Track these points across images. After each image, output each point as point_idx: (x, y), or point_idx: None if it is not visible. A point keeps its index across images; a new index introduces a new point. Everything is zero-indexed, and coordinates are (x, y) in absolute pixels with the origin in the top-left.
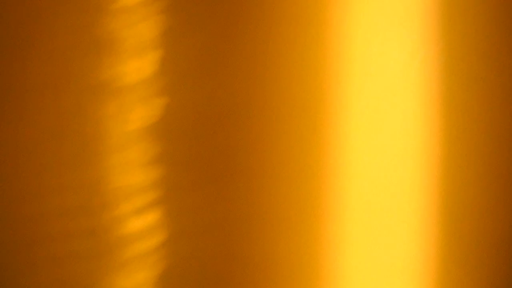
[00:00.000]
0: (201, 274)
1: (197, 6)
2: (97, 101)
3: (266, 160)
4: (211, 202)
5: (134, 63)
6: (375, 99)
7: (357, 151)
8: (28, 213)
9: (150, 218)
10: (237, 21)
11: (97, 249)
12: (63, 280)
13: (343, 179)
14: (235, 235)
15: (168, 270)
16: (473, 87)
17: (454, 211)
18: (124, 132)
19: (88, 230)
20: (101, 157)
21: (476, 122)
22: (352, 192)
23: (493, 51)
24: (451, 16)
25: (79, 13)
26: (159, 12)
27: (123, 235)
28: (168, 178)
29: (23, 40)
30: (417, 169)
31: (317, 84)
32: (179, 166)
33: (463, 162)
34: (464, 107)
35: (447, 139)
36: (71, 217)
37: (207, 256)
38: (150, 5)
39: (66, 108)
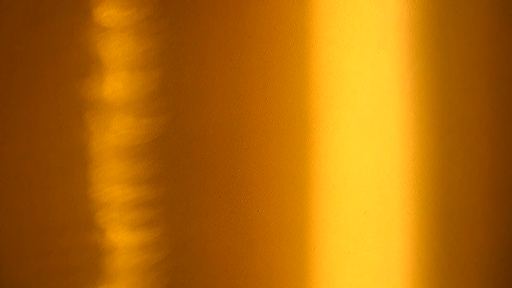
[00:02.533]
0: (204, 286)
1: (194, 27)
2: (100, 117)
3: (262, 174)
4: (211, 216)
5: (137, 79)
6: (367, 115)
7: (347, 165)
8: (35, 226)
9: (153, 232)
10: (234, 42)
11: (100, 264)
12: None
13: (333, 190)
14: (236, 247)
15: (172, 283)
16: (464, 100)
17: (443, 216)
18: (127, 146)
19: (90, 245)
20: (104, 172)
21: (467, 133)
22: (341, 203)
23: (483, 67)
24: (443, 32)
25: (82, 31)
26: (157, 33)
27: (126, 250)
28: (169, 193)
29: (26, 59)
30: (405, 178)
31: (309, 103)
32: (180, 182)
33: (453, 170)
34: (455, 120)
35: (438, 150)
36: (75, 232)
37: (209, 268)
38: (148, 26)
39: (65, 125)
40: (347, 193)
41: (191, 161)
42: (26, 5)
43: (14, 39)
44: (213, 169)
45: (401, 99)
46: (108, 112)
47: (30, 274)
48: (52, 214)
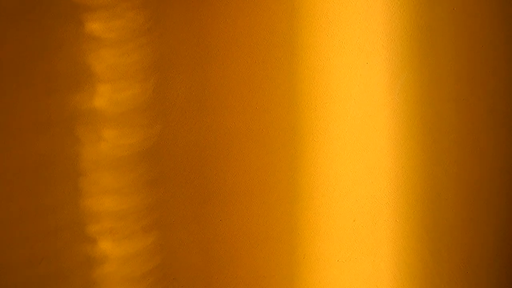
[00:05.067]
0: None
1: (185, 38)
2: (91, 127)
3: (252, 183)
4: (201, 225)
5: (128, 89)
6: (356, 124)
7: (336, 174)
8: (25, 234)
9: (144, 241)
10: (224, 52)
11: (91, 272)
12: None
13: (322, 199)
14: (226, 255)
15: None
16: (451, 110)
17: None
18: (117, 156)
19: (82, 254)
20: (95, 181)
21: (455, 142)
22: (330, 211)
23: (470, 77)
24: (431, 43)
25: (74, 41)
26: (148, 43)
27: (116, 259)
28: (159, 203)
29: (17, 69)
30: (394, 187)
31: (299, 112)
32: (170, 191)
33: (441, 178)
34: (443, 129)
35: (426, 159)
36: (65, 241)
37: (199, 277)
38: (139, 37)
39: (56, 135)
40: (337, 201)
41: (181, 170)
42: (17, 15)
43: (5, 49)
44: (203, 178)
45: (389, 109)
46: (100, 122)
47: (21, 282)
48: (43, 223)
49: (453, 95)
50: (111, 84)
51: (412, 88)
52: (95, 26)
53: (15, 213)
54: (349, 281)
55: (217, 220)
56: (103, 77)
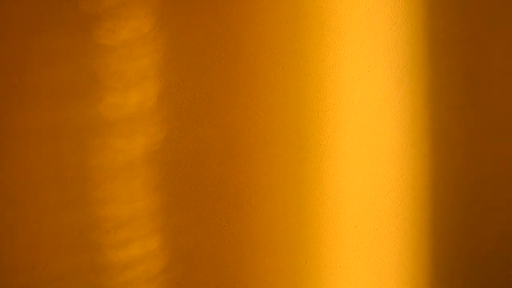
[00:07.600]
0: None
1: (190, 45)
2: (96, 133)
3: (255, 188)
4: (205, 230)
5: (133, 96)
6: (358, 131)
7: (338, 180)
8: (29, 240)
9: (148, 247)
10: (229, 59)
11: (94, 278)
12: None
13: (324, 205)
14: (229, 260)
15: None
16: (451, 117)
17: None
18: (122, 162)
19: (85, 260)
20: (100, 187)
21: (454, 149)
22: (332, 217)
23: (469, 85)
24: (431, 52)
25: (79, 48)
26: (153, 50)
27: (121, 264)
28: (164, 208)
29: (24, 77)
30: (395, 194)
31: (302, 119)
32: (175, 197)
33: (441, 186)
34: (443, 136)
35: (426, 166)
36: (69, 247)
37: (203, 282)
38: (146, 43)
39: (61, 141)
40: (338, 207)
41: (186, 176)
42: (23, 22)
43: (13, 56)
44: (207, 184)
45: (391, 116)
46: (105, 128)
47: (25, 286)
48: (47, 227)
49: (454, 102)
50: (117, 91)
51: (414, 95)
52: (100, 33)
53: (19, 218)
54: (350, 287)
55: (221, 226)
56: (108, 83)
